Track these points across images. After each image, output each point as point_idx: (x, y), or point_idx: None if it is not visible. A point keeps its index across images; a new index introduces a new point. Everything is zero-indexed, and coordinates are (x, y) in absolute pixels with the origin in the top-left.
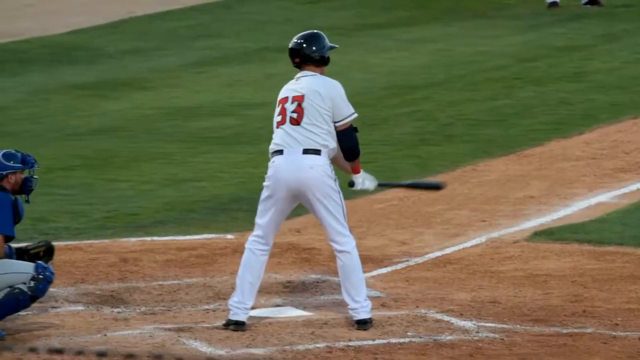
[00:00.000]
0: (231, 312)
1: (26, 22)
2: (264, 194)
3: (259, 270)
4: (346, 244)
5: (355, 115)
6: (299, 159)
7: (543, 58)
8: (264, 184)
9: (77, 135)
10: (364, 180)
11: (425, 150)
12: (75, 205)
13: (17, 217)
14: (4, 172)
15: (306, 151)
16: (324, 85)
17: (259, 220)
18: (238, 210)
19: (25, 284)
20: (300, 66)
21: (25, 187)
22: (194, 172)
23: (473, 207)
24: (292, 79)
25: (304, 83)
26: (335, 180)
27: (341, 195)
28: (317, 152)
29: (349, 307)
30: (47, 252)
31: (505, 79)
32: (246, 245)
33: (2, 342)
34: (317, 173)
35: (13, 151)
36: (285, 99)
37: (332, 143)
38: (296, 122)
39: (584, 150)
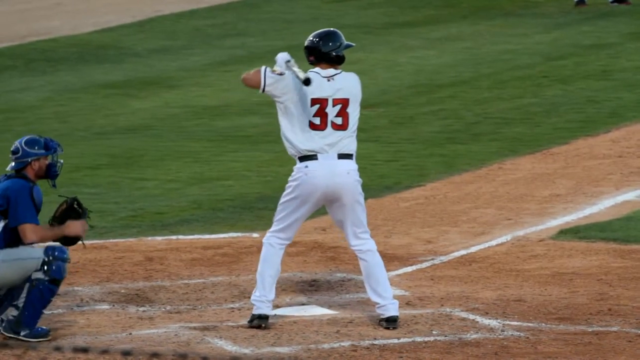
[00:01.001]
0: (254, 307)
1: (54, 21)
2: (291, 195)
3: (278, 264)
4: (370, 243)
5: None
6: (335, 165)
7: (570, 56)
8: (292, 185)
9: (104, 134)
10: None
11: (452, 149)
12: (101, 204)
13: (34, 205)
14: (28, 159)
15: (341, 156)
16: (360, 86)
17: (283, 221)
18: (264, 209)
19: (39, 271)
20: (314, 64)
21: (50, 173)
22: (220, 171)
23: (499, 206)
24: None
25: (342, 84)
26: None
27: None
28: (350, 156)
29: (377, 305)
30: (71, 209)
31: (532, 77)
32: (264, 240)
33: (27, 342)
34: (352, 178)
35: (36, 137)
36: (325, 101)
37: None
38: (341, 127)
39: (610, 149)
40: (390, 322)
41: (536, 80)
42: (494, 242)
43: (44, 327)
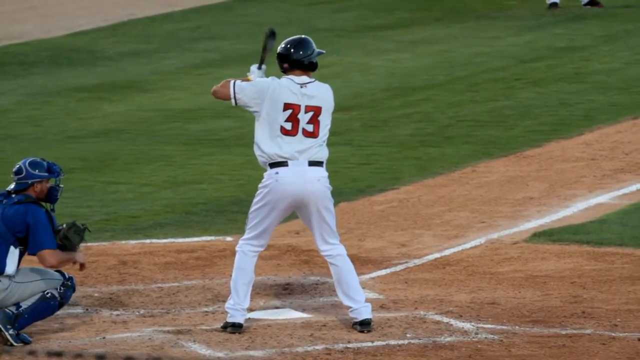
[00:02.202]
0: (228, 315)
1: (27, 24)
2: (261, 202)
3: (252, 271)
4: (340, 248)
5: None
6: (305, 171)
7: (543, 59)
8: (262, 192)
9: (78, 138)
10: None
11: (425, 152)
12: (74, 207)
13: (52, 227)
14: (30, 181)
15: (311, 163)
16: (332, 97)
17: (255, 228)
18: (237, 213)
19: (56, 289)
20: (286, 72)
21: (51, 196)
22: (194, 175)
23: (472, 209)
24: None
25: (315, 92)
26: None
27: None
28: (321, 164)
29: (350, 309)
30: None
31: (505, 80)
32: (237, 248)
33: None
34: (323, 185)
35: (39, 159)
36: (297, 107)
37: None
38: (311, 135)
39: (583, 151)
40: (364, 325)
41: (509, 83)
42: (467, 245)
43: (29, 337)
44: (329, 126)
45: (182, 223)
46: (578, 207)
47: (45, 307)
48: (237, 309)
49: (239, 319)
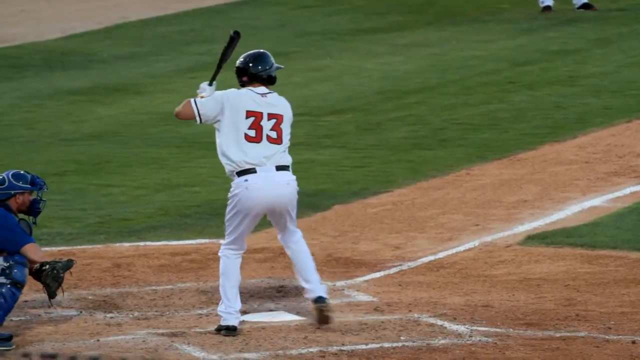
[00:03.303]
0: (222, 319)
1: (20, 27)
2: (233, 211)
3: (237, 273)
4: (298, 233)
5: None
6: (274, 176)
7: (537, 62)
8: (233, 200)
9: (71, 141)
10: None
11: (419, 155)
12: (68, 210)
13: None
14: (12, 192)
15: (279, 167)
16: (290, 109)
17: (232, 234)
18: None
19: (1, 276)
20: (245, 84)
21: (32, 209)
22: (187, 177)
23: (466, 212)
24: (284, 83)
25: (276, 101)
26: None
27: None
28: (287, 167)
29: (306, 291)
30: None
31: (498, 83)
32: (220, 254)
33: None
34: (292, 188)
35: (22, 172)
36: (260, 114)
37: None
38: (275, 141)
39: (577, 154)
40: (320, 302)
41: (503, 86)
42: (461, 248)
43: (5, 333)
44: (289, 136)
45: (176, 226)
46: (572, 210)
47: (0, 297)
48: (229, 312)
49: (232, 321)
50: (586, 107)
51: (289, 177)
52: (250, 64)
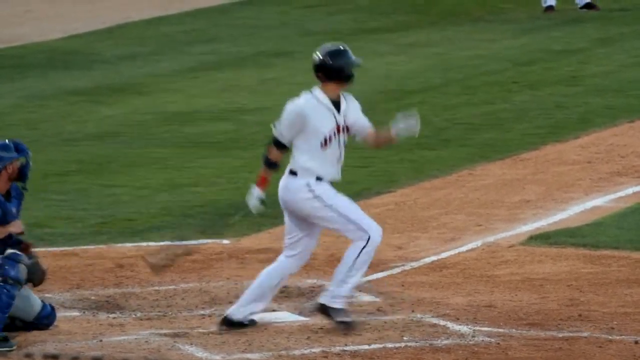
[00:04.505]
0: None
1: (23, 28)
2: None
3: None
4: (359, 238)
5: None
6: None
7: (539, 62)
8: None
9: (73, 141)
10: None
11: (421, 155)
12: (70, 210)
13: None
14: (4, 164)
15: (289, 171)
16: (288, 109)
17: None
18: (234, 216)
19: None
20: (321, 81)
21: (22, 175)
22: (190, 177)
23: (469, 212)
24: (287, 83)
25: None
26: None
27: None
28: (292, 171)
29: (329, 289)
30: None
31: (501, 82)
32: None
33: None
34: (286, 191)
35: (4, 142)
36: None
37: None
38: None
39: (579, 154)
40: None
41: (505, 85)
42: (464, 248)
43: (2, 333)
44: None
45: (179, 226)
46: (574, 210)
47: None
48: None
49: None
50: (588, 107)
51: (285, 180)
52: (331, 60)
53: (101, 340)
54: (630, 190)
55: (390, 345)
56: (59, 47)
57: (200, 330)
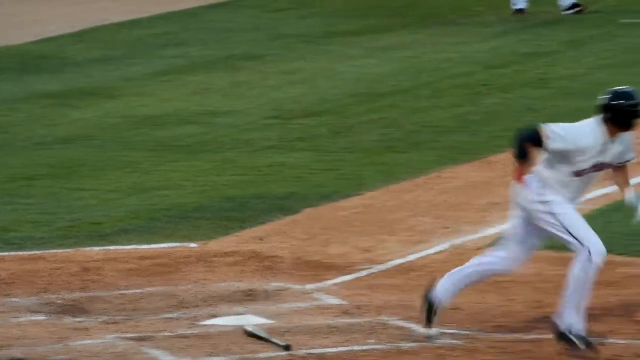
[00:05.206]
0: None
1: None
2: None
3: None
4: (579, 254)
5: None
6: None
7: (510, 65)
8: None
9: (45, 145)
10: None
11: (391, 158)
12: (39, 214)
13: None
14: None
15: None
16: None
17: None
18: (201, 219)
19: None
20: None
21: None
22: (159, 181)
23: (437, 214)
24: (258, 86)
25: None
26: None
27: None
28: None
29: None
30: None
31: (471, 85)
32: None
33: None
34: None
35: None
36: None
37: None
38: None
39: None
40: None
41: (476, 89)
42: (432, 251)
43: None
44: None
45: (146, 229)
46: None
47: None
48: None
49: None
50: (557, 109)
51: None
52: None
53: (67, 345)
54: (598, 193)
55: (356, 348)
56: (30, 50)
57: (167, 334)
